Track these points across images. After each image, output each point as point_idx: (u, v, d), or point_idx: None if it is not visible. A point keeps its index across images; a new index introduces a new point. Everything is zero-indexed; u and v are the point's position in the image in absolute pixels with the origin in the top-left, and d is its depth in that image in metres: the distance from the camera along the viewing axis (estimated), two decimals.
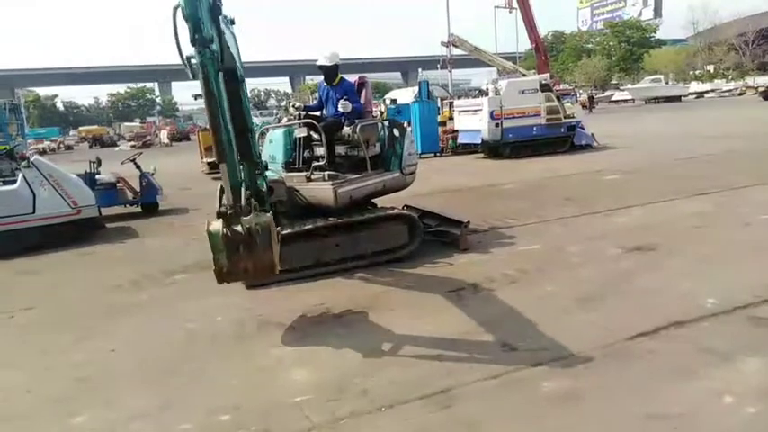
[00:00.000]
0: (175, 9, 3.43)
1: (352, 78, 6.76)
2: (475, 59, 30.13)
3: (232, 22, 4.45)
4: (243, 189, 4.07)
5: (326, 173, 5.95)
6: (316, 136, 6.30)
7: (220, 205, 3.99)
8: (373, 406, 3.30)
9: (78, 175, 9.22)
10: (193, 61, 3.59)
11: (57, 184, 8.07)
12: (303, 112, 6.55)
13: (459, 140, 18.19)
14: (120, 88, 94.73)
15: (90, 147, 44.43)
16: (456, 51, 32.94)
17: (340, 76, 6.48)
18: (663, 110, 38.41)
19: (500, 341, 4.02)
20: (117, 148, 39.61)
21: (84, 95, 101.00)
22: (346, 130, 6.25)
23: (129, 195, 10.67)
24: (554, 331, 4.13)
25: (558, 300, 4.80)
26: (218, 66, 3.68)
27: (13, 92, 71.36)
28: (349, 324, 4.61)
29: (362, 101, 6.57)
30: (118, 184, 10.55)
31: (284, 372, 3.86)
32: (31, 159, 8.27)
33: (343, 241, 5.91)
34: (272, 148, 6.62)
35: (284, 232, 5.66)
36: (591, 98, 46.38)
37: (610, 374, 3.47)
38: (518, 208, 8.72)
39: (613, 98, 56.66)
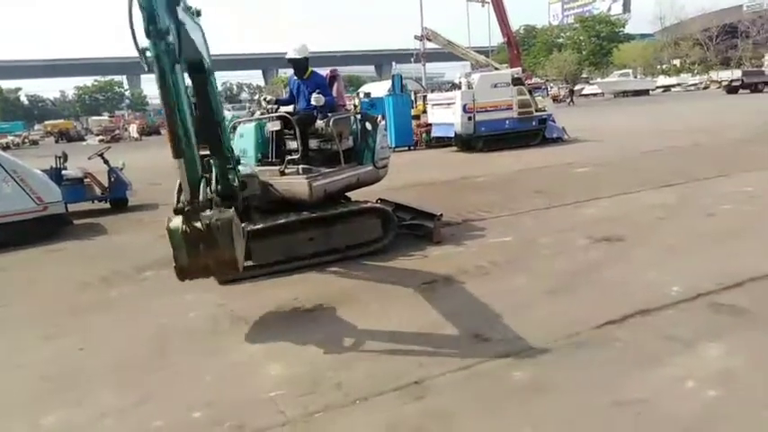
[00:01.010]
0: None
1: (323, 72, 6.74)
2: (448, 53, 30.18)
3: (198, 13, 4.39)
4: (203, 184, 3.99)
5: (300, 167, 5.94)
6: (288, 130, 6.27)
7: (178, 201, 3.95)
8: (347, 399, 3.32)
9: (44, 171, 9.00)
10: (148, 53, 3.49)
11: (21, 180, 7.86)
12: (275, 106, 6.51)
13: (432, 134, 18.29)
14: (87, 81, 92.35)
15: (56, 141, 43.23)
16: (430, 45, 32.96)
17: (311, 69, 6.46)
18: (631, 103, 39.22)
19: (472, 332, 4.08)
20: (84, 143, 38.68)
21: (49, 88, 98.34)
22: (319, 123, 6.24)
23: (98, 191, 10.44)
24: (524, 322, 4.21)
25: (529, 291, 4.89)
26: (174, 58, 3.59)
27: None
28: (322, 318, 4.63)
29: (334, 94, 6.57)
30: (85, 180, 10.31)
31: (258, 367, 3.85)
32: None
33: (317, 235, 5.90)
34: (243, 141, 6.56)
35: (257, 227, 5.65)
36: (572, 91, 47.64)
37: (577, 363, 3.56)
38: (490, 200, 8.82)
39: (583, 92, 57.68)
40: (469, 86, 16.45)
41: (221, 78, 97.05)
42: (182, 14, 3.90)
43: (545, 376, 3.42)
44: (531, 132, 16.95)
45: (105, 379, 3.81)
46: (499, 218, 7.71)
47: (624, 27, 79.93)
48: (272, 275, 5.69)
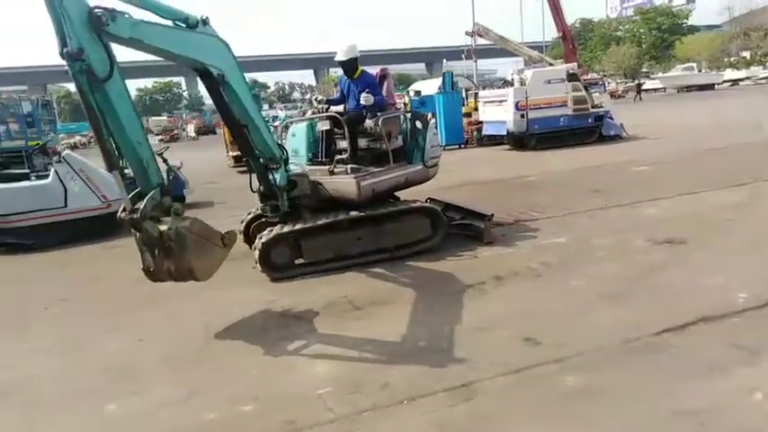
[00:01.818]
0: None
1: (373, 71, 6.75)
2: (501, 49, 29.70)
3: (204, 22, 4.63)
4: (156, 193, 4.16)
5: (349, 166, 5.97)
6: (338, 129, 6.32)
7: (123, 210, 4.12)
8: (394, 399, 3.31)
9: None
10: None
11: (87, 179, 8.27)
12: (326, 106, 6.58)
13: (483, 132, 18.03)
14: (148, 83, 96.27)
15: None
16: (481, 41, 32.48)
17: (360, 68, 6.47)
18: (695, 98, 37.42)
19: (522, 335, 3.99)
20: None
21: None
22: (368, 122, 6.25)
23: None
24: (577, 326, 4.08)
25: (583, 294, 4.74)
26: (96, 77, 3.79)
27: (45, 88, 73.07)
28: (370, 317, 4.64)
29: (384, 93, 6.55)
30: None
31: (306, 364, 3.90)
32: (63, 154, 8.48)
33: (366, 234, 5.93)
34: (295, 141, 6.66)
35: (307, 225, 5.73)
36: (639, 86, 46.01)
37: (634, 370, 3.42)
38: (544, 200, 8.61)
39: (644, 87, 55.50)
40: (522, 83, 16.11)
41: (273, 78, 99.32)
42: (201, 27, 4.42)
43: (599, 382, 3.31)
44: (586, 130, 16.43)
45: (160, 371, 3.96)
46: (552, 218, 7.51)
47: (688, 18, 76.27)
48: (321, 273, 5.76)
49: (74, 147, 31.31)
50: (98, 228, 8.34)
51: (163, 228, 4.14)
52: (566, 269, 5.43)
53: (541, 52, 31.22)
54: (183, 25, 4.62)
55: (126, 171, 4.33)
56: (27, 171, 9.14)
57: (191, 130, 44.48)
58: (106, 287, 5.90)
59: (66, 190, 8.20)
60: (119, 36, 3.98)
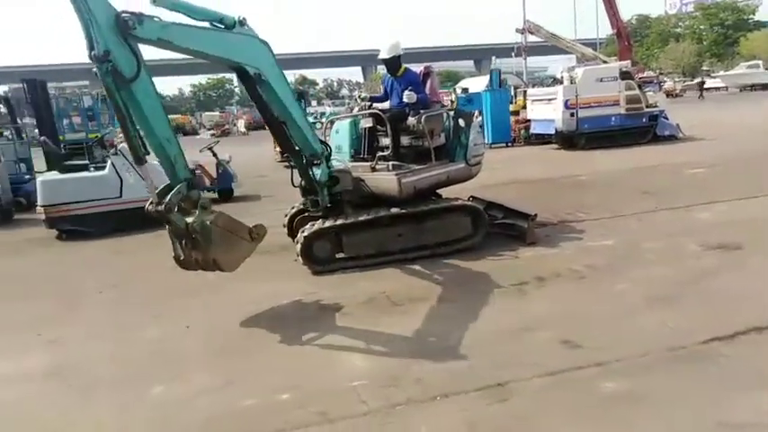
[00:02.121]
0: None
1: (417, 68, 6.74)
2: (552, 46, 29.03)
3: (241, 23, 4.76)
4: (183, 187, 4.36)
5: (391, 163, 5.99)
6: (381, 126, 6.35)
7: (151, 202, 4.35)
8: (428, 394, 3.32)
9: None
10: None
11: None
12: (368, 103, 6.62)
13: (531, 130, 17.72)
14: (202, 79, 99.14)
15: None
16: (532, 38, 31.90)
17: (404, 66, 6.47)
18: (761, 98, 35.52)
19: (561, 338, 3.91)
20: (198, 137, 41.51)
21: (169, 86, 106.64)
22: (411, 120, 6.25)
23: (207, 182, 11.19)
24: (620, 330, 3.97)
25: (629, 298, 4.60)
26: (123, 78, 3.97)
27: None
28: (408, 313, 4.65)
29: (428, 91, 6.53)
30: (196, 171, 11.03)
31: (342, 356, 3.95)
32: (119, 147, 8.85)
33: (406, 231, 5.93)
34: (339, 138, 6.74)
35: (348, 221, 5.79)
36: (701, 85, 44.20)
37: (679, 378, 3.30)
38: (591, 201, 8.39)
39: (704, 86, 53.10)
40: (572, 81, 15.72)
41: (322, 75, 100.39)
42: (238, 27, 4.60)
43: (641, 389, 3.21)
44: (640, 130, 15.89)
45: (202, 358, 4.09)
46: (600, 220, 7.31)
47: (754, 14, 72.47)
48: (361, 268, 5.81)
49: None
50: (151, 217, 8.63)
51: (189, 220, 4.33)
52: (611, 272, 5.28)
53: (595, 50, 30.39)
54: (222, 26, 4.76)
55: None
56: (86, 162, 9.58)
57: (241, 125, 45.49)
58: (155, 275, 6.12)
59: (121, 181, 8.56)
60: (147, 38, 4.16)
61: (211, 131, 42.47)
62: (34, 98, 12.57)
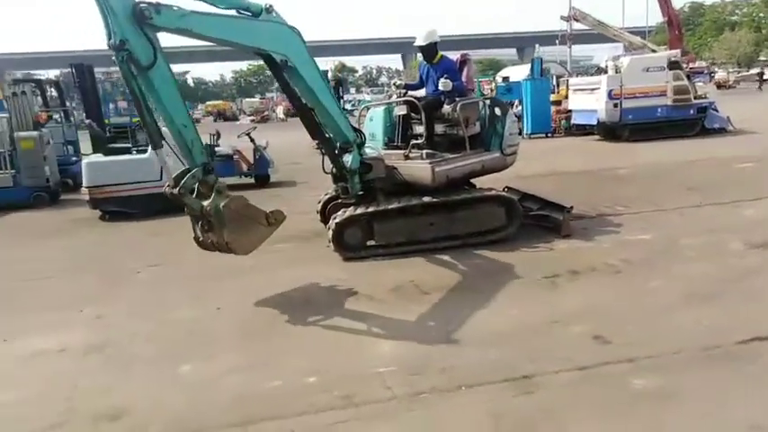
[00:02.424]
0: None
1: (454, 56, 6.66)
2: (598, 34, 28.17)
3: (268, 10, 4.81)
4: (199, 172, 4.51)
5: (425, 151, 5.95)
6: (415, 114, 6.31)
7: (168, 185, 4.53)
8: (453, 384, 3.31)
9: None
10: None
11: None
12: (403, 91, 6.58)
13: (572, 121, 17.31)
14: (243, 65, 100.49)
15: (214, 120, 47.56)
16: (577, 26, 31.03)
17: (440, 53, 6.41)
18: None
19: (592, 332, 3.83)
20: (238, 122, 42.22)
21: (211, 72, 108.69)
22: (446, 108, 6.18)
23: (244, 167, 11.38)
24: (654, 327, 3.87)
25: (665, 294, 4.47)
26: (140, 65, 4.13)
27: None
28: (437, 302, 4.64)
29: (464, 79, 6.44)
30: (234, 157, 11.29)
31: (370, 342, 3.98)
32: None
33: (438, 220, 5.90)
34: (373, 125, 6.73)
35: (380, 208, 5.80)
36: (761, 75, 42.19)
37: (712, 378, 3.20)
38: (631, 194, 8.17)
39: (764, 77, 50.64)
40: (617, 70, 15.24)
41: (361, 62, 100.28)
42: (264, 15, 4.70)
43: (672, 387, 3.12)
44: (687, 122, 15.32)
45: (233, 339, 4.19)
46: (639, 214, 7.11)
47: None
48: (392, 256, 5.81)
49: None
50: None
51: (205, 203, 4.48)
52: (648, 267, 5.14)
53: (644, 38, 29.37)
54: (249, 14, 4.82)
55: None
56: (129, 145, 9.87)
57: (280, 111, 45.92)
58: (191, 256, 6.26)
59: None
60: (165, 27, 4.26)
61: (251, 117, 43.07)
62: (82, 83, 12.97)
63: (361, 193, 5.93)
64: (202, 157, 4.58)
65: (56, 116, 13.47)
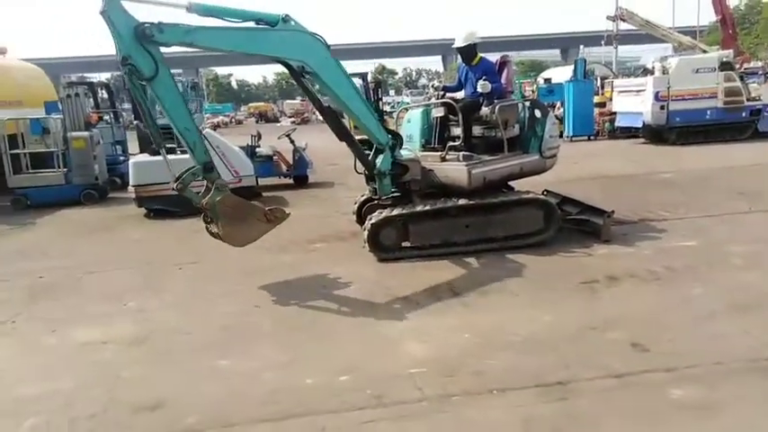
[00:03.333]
0: None
1: (494, 57, 6.60)
2: (646, 35, 27.37)
3: (284, 20, 5.04)
4: (200, 168, 4.92)
5: (461, 153, 5.92)
6: (453, 116, 6.29)
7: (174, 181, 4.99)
8: (485, 388, 3.30)
9: (241, 148, 10.20)
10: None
11: (223, 155, 9.01)
12: (441, 93, 6.57)
13: (616, 123, 16.89)
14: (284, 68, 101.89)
15: (256, 122, 48.40)
16: (624, 26, 30.22)
17: (479, 55, 6.36)
18: None
19: (630, 340, 3.75)
20: (278, 124, 42.88)
21: (254, 74, 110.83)
22: (484, 110, 6.14)
23: (283, 168, 11.57)
24: (695, 336, 3.75)
25: (707, 303, 4.33)
26: (141, 78, 4.54)
27: (197, 71, 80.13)
28: (471, 305, 4.62)
29: (503, 81, 6.38)
30: (274, 157, 11.49)
31: (403, 343, 3.99)
32: (203, 132, 9.29)
33: (474, 223, 5.86)
34: (410, 127, 6.74)
35: (414, 210, 5.80)
36: None
37: (755, 391, 3.09)
38: (676, 200, 7.92)
39: None
40: (664, 71, 14.80)
41: (402, 64, 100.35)
42: (281, 24, 4.97)
43: (713, 400, 3.03)
44: (739, 125, 14.76)
45: (269, 336, 4.27)
46: (684, 219, 6.90)
47: None
48: (426, 258, 5.81)
49: (216, 126, 34.13)
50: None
51: (204, 199, 4.98)
52: (691, 275, 4.98)
53: (694, 38, 28.39)
54: (265, 25, 5.04)
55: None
56: (174, 146, 10.17)
57: (319, 113, 46.25)
58: (231, 254, 6.40)
59: None
60: (170, 42, 4.63)
61: (291, 119, 43.65)
62: None
63: (391, 194, 5.99)
64: (204, 157, 4.97)
65: (106, 117, 14.01)
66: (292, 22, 5.12)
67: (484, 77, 6.07)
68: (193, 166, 4.96)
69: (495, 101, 6.07)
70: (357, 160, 6.05)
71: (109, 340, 4.32)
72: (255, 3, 5.25)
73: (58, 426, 3.17)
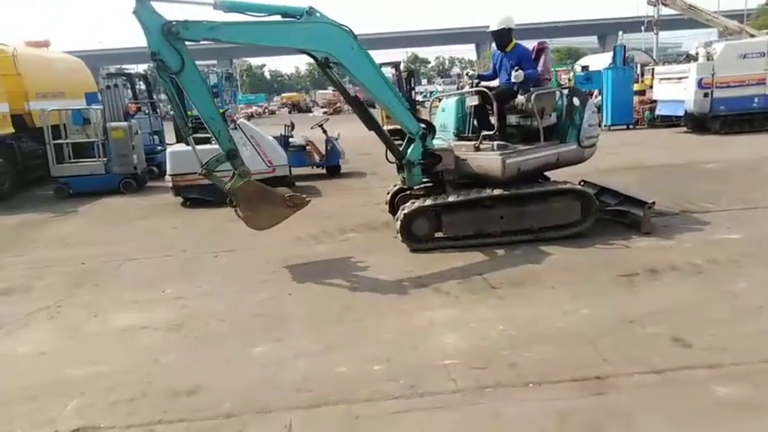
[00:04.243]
0: None
1: (530, 45, 6.44)
2: (689, 19, 26.36)
3: (309, 12, 5.16)
4: (224, 155, 5.25)
5: (496, 143, 5.83)
6: (488, 105, 6.17)
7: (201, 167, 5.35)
8: (520, 380, 3.25)
9: (275, 138, 10.28)
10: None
11: (257, 145, 9.11)
12: (476, 81, 6.45)
13: (657, 111, 16.41)
14: None
15: (289, 112, 48.73)
16: (666, 11, 29.19)
17: (514, 41, 6.21)
18: None
19: (671, 335, 3.64)
20: (311, 114, 43.09)
21: (287, 65, 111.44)
22: (520, 98, 6.02)
23: (316, 158, 11.62)
24: (739, 332, 3.62)
25: (752, 298, 4.18)
26: (169, 71, 4.90)
27: (231, 62, 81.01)
28: (506, 296, 4.56)
29: (540, 68, 6.22)
30: (307, 147, 11.55)
31: (436, 334, 3.97)
32: (238, 122, 9.42)
33: (508, 213, 5.77)
34: (444, 116, 6.66)
35: (447, 200, 5.75)
36: None
37: None
38: (720, 191, 7.65)
39: None
40: (708, 58, 14.26)
41: (435, 53, 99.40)
42: (306, 17, 5.11)
43: (758, 398, 2.91)
44: None
45: (302, 324, 4.31)
46: (729, 211, 6.66)
47: None
48: (459, 248, 5.76)
49: (250, 116, 34.50)
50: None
51: (228, 185, 5.31)
52: (736, 269, 4.81)
53: (741, 22, 27.24)
54: (290, 18, 5.16)
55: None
56: (208, 136, 10.31)
57: None
58: (265, 243, 6.51)
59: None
60: (195, 38, 4.95)
61: (323, 109, 43.79)
62: None
63: (420, 184, 6.01)
64: (228, 145, 5.27)
65: (144, 108, 14.31)
66: (317, 14, 5.21)
67: (517, 67, 5.93)
68: (218, 154, 5.26)
69: (532, 88, 5.94)
70: (387, 150, 6.04)
71: (147, 326, 4.43)
72: None
73: (100, 408, 3.26)
